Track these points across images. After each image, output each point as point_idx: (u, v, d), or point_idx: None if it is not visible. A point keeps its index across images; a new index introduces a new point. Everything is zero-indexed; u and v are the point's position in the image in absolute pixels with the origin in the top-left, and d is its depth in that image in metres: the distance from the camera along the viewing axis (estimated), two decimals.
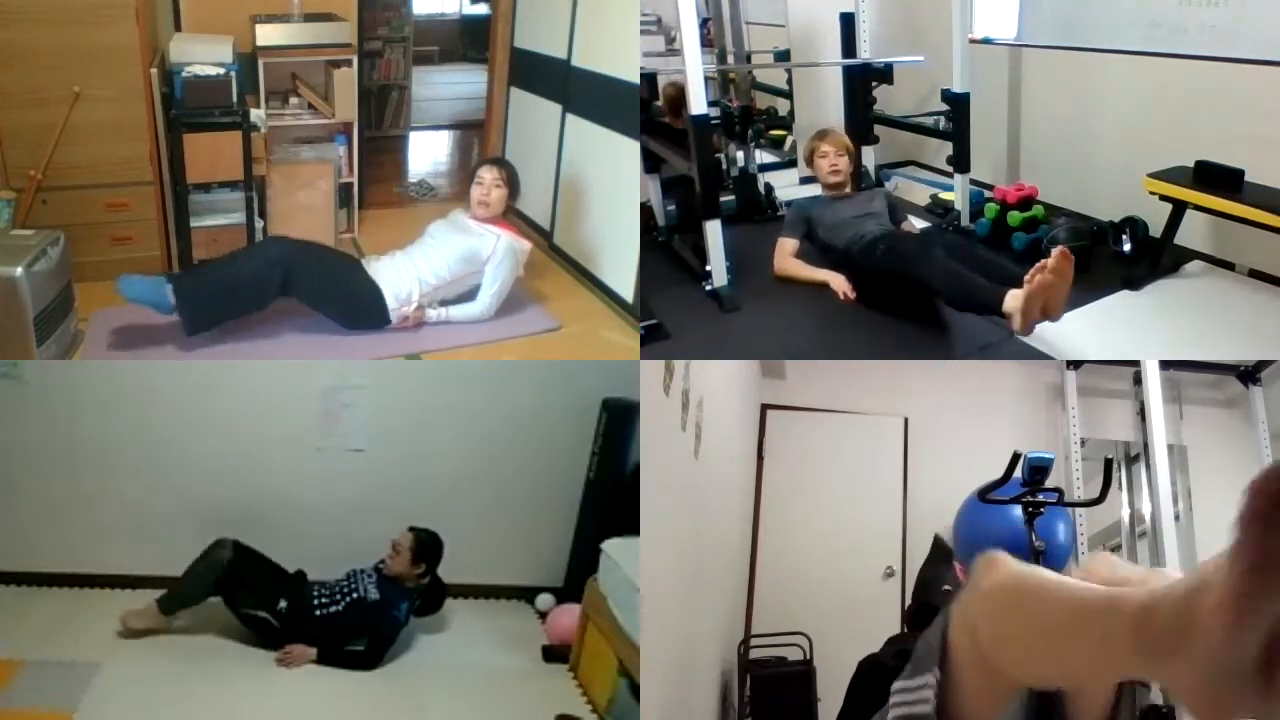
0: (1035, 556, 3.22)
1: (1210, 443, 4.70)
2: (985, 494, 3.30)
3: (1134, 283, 3.54)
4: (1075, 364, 4.50)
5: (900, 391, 4.67)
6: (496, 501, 3.55)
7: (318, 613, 3.06)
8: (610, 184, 3.86)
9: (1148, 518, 4.30)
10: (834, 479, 4.64)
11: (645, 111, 4.00)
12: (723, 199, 4.04)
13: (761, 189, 4.73)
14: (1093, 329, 3.32)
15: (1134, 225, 3.75)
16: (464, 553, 3.33)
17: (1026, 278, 2.80)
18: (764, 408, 4.69)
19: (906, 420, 4.68)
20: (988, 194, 4.19)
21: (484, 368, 3.45)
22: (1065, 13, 4.21)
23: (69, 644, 2.95)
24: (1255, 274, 3.57)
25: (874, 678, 2.35)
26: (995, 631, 0.58)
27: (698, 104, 3.32)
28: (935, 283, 3.09)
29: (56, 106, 3.51)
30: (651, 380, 2.42)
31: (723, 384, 3.52)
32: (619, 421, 3.40)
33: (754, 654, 3.85)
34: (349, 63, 4.22)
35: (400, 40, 6.27)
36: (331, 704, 2.85)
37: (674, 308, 3.51)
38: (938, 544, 2.90)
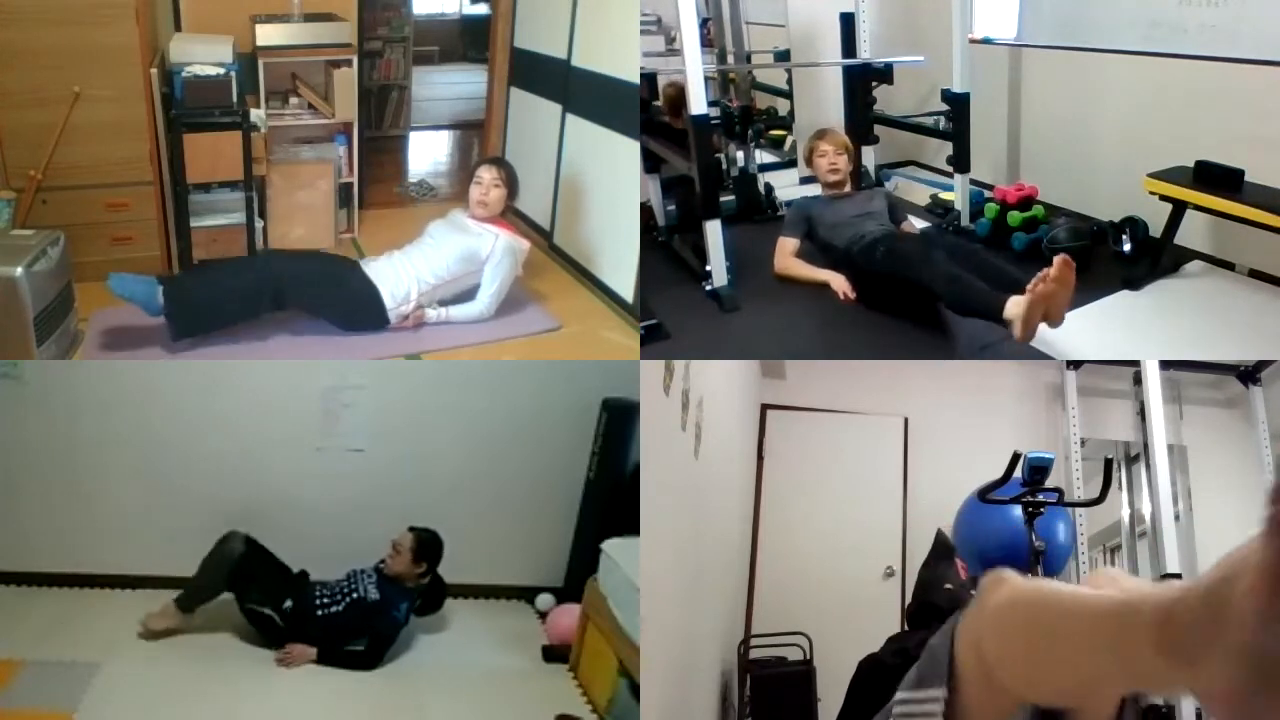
0: (1035, 556, 3.23)
1: (1210, 443, 4.70)
2: (985, 494, 3.31)
3: (1134, 283, 3.54)
4: (1075, 364, 4.50)
5: (900, 391, 4.67)
6: (496, 501, 3.55)
7: (319, 613, 3.06)
8: (610, 184, 3.86)
9: (1148, 518, 4.30)
10: (834, 479, 4.64)
11: (645, 111, 4.00)
12: (723, 199, 4.04)
13: (761, 189, 4.73)
14: (1093, 329, 3.32)
15: (1134, 225, 3.75)
16: (464, 553, 3.33)
17: (1029, 286, 2.79)
18: (764, 408, 4.69)
19: (906, 420, 4.68)
20: (988, 194, 4.19)
21: (484, 368, 3.45)
22: (1065, 13, 4.21)
23: (69, 644, 2.95)
24: (1255, 274, 3.57)
25: (874, 677, 2.35)
26: (1004, 649, 0.57)
27: (698, 104, 3.32)
28: (936, 286, 3.09)
29: (56, 106, 3.51)
30: (651, 380, 2.42)
31: (723, 384, 3.52)
32: (619, 421, 3.39)
33: (754, 654, 3.85)
34: (349, 63, 4.22)
35: (400, 40, 6.27)
36: (331, 704, 2.85)
37: (674, 308, 3.51)
38: (940, 540, 2.90)
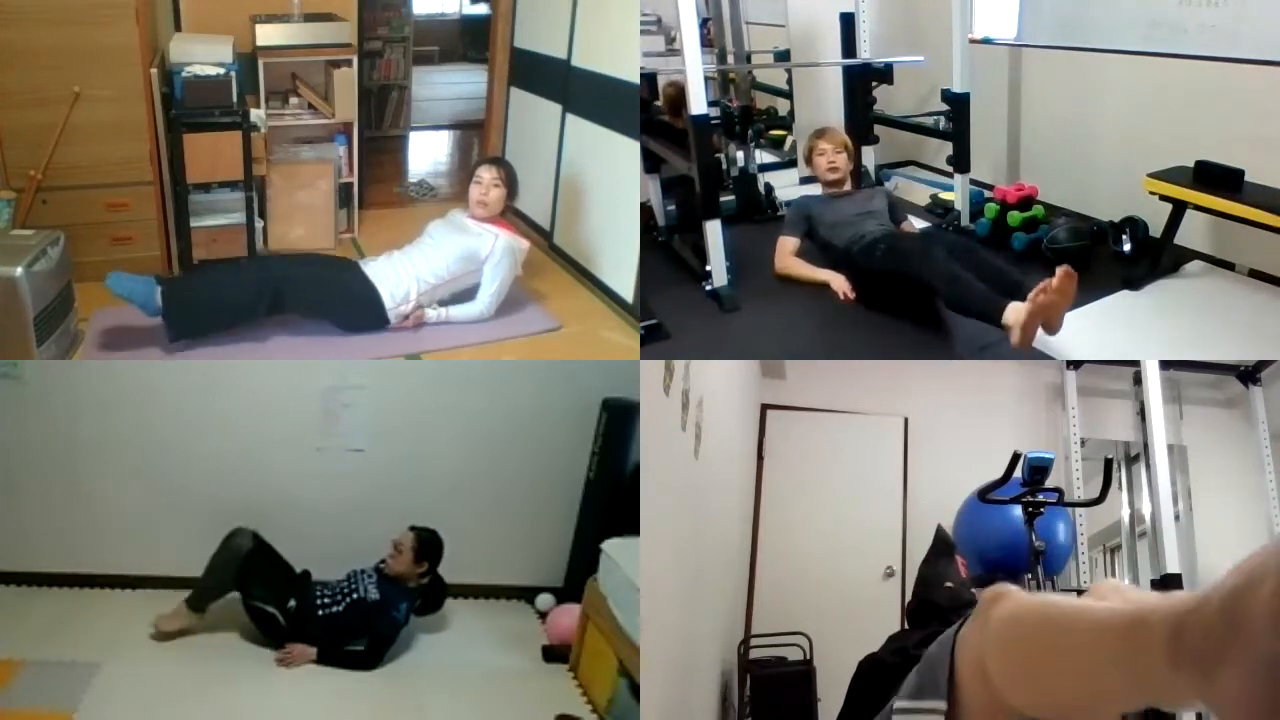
0: (1035, 556, 3.23)
1: (1210, 443, 4.70)
2: (985, 494, 3.32)
3: (1134, 283, 3.54)
4: (1075, 364, 4.50)
5: (900, 391, 4.67)
6: (496, 501, 3.55)
7: (319, 613, 3.06)
8: (610, 184, 3.86)
9: (1148, 518, 4.30)
10: (834, 479, 4.64)
11: (645, 111, 4.00)
12: (723, 199, 4.04)
13: (761, 189, 4.73)
14: (1093, 329, 3.32)
15: (1134, 225, 3.75)
16: (464, 553, 3.33)
17: (1030, 296, 2.81)
18: (764, 408, 4.69)
19: (906, 420, 4.69)
20: (988, 194, 4.19)
21: (484, 368, 3.45)
22: (1065, 13, 4.21)
23: (69, 644, 2.95)
24: (1255, 274, 3.57)
25: (874, 676, 2.35)
26: (1008, 666, 0.56)
27: (698, 104, 3.32)
28: (935, 283, 3.09)
29: (56, 106, 3.51)
30: (651, 380, 2.42)
31: (723, 384, 3.52)
32: (619, 421, 3.39)
33: (754, 654, 3.85)
34: (349, 63, 4.22)
35: (400, 40, 6.27)
36: (331, 704, 2.85)
37: (674, 308, 3.51)
38: (940, 537, 2.90)
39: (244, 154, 3.74)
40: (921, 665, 0.65)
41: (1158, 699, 0.48)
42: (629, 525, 2.39)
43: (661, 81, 4.57)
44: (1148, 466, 4.09)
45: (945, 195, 4.53)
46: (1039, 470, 3.19)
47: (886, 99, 4.73)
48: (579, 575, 3.19)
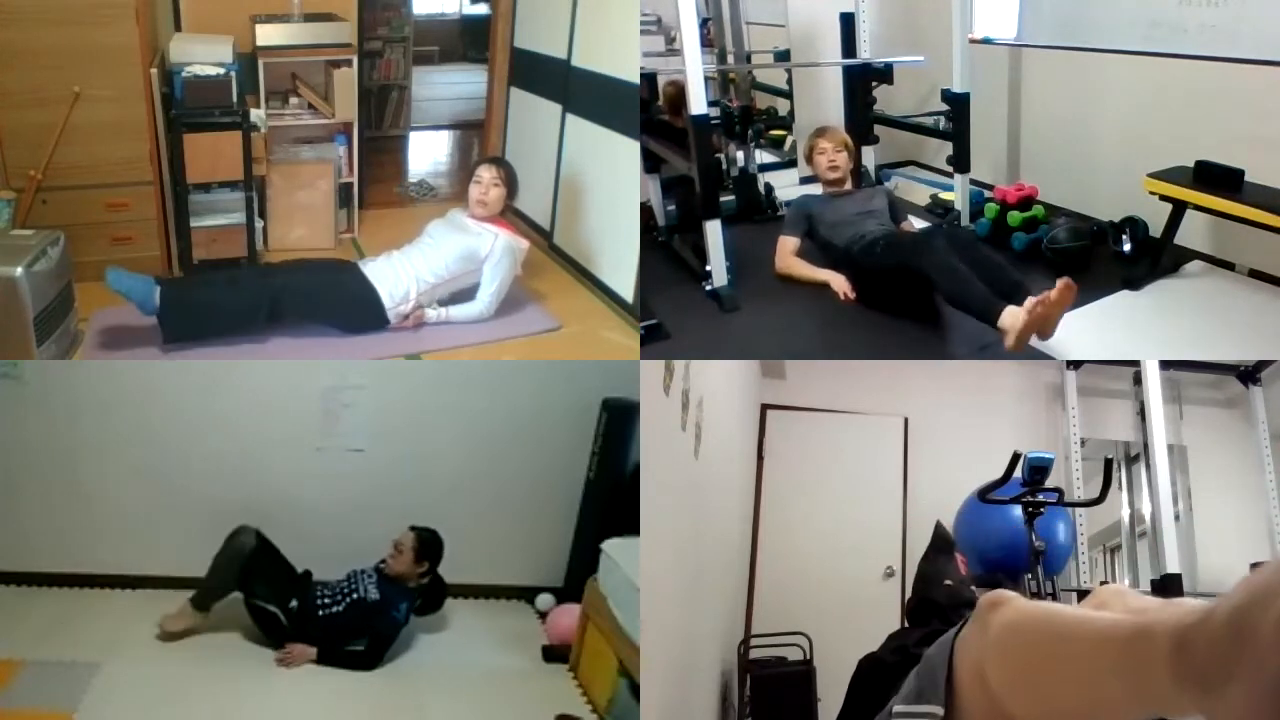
0: (1035, 556, 3.23)
1: (1210, 443, 4.71)
2: (985, 494, 3.31)
3: (1134, 283, 3.54)
4: (1075, 364, 4.50)
5: (900, 391, 4.67)
6: (496, 501, 3.55)
7: (320, 613, 3.06)
8: (610, 184, 3.86)
9: (1148, 518, 4.31)
10: (834, 479, 4.64)
11: (645, 111, 4.00)
12: (723, 199, 4.04)
13: (761, 189, 4.73)
14: (1093, 329, 3.32)
15: (1134, 225, 3.75)
16: (464, 553, 3.33)
17: (1027, 307, 2.84)
18: (764, 408, 4.69)
19: (906, 420, 4.69)
20: (988, 194, 4.19)
21: (484, 368, 3.45)
22: (1065, 13, 4.21)
23: (69, 644, 2.95)
24: (1255, 274, 3.57)
25: (874, 676, 2.35)
26: (1008, 674, 0.56)
27: (698, 104, 3.32)
28: (934, 275, 3.09)
29: (56, 106, 3.51)
30: (651, 380, 2.41)
31: (723, 384, 3.52)
32: (619, 421, 3.39)
33: (754, 654, 3.85)
34: (349, 63, 4.22)
35: (400, 40, 6.27)
36: (331, 704, 2.85)
37: (674, 308, 3.51)
38: (939, 534, 2.90)
39: (244, 154, 3.74)
40: (920, 668, 0.65)
41: (1159, 711, 0.47)
42: (629, 525, 2.38)
43: (661, 81, 4.57)
44: (1148, 466, 4.10)
45: (945, 195, 4.53)
46: (1039, 470, 3.18)
47: (886, 99, 4.73)
48: (579, 575, 3.18)
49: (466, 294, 3.51)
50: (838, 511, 4.56)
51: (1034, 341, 2.95)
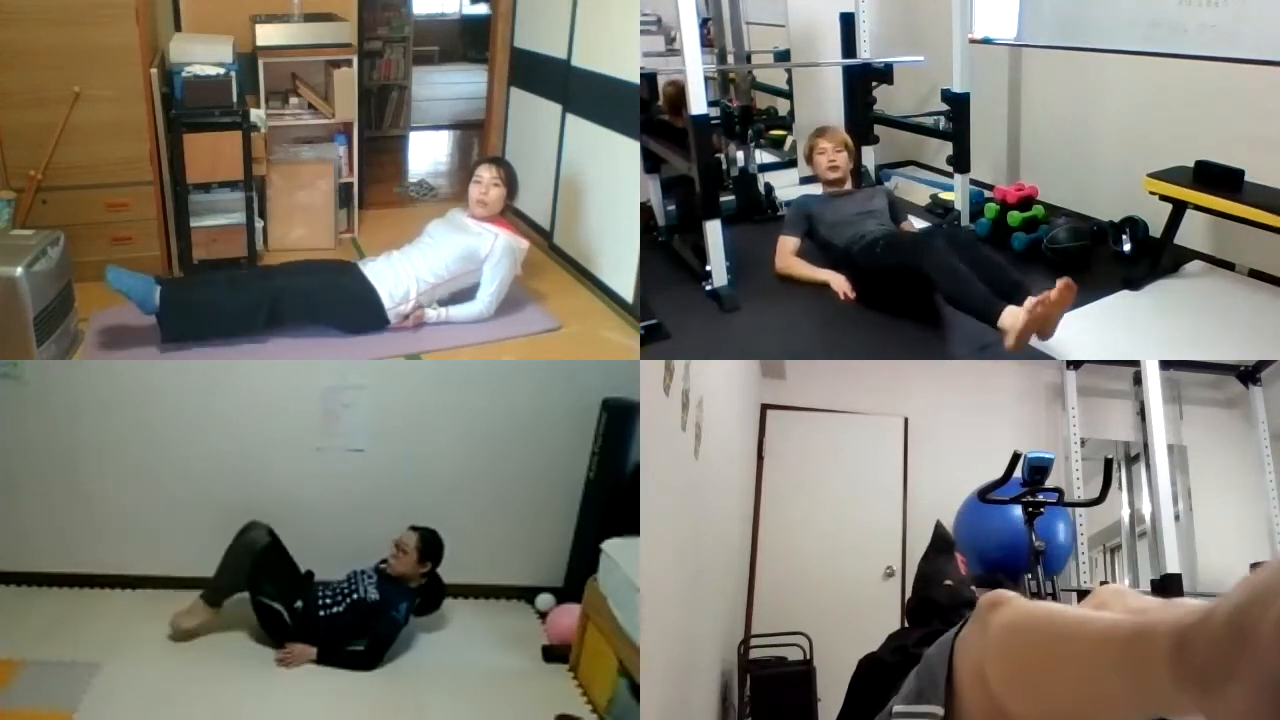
0: (1035, 556, 3.23)
1: (1210, 443, 4.71)
2: (985, 494, 3.31)
3: (1134, 283, 3.54)
4: (1075, 364, 4.50)
5: (900, 391, 4.67)
6: (496, 501, 3.55)
7: (321, 614, 3.06)
8: (610, 184, 3.86)
9: (1148, 518, 4.31)
10: (834, 479, 4.64)
11: (645, 111, 4.00)
12: (723, 199, 4.04)
13: (761, 189, 4.73)
14: (1093, 329, 3.32)
15: (1134, 225, 3.75)
16: (464, 553, 3.33)
17: (1027, 307, 2.84)
18: (764, 408, 4.69)
19: (906, 420, 4.69)
20: (988, 194, 4.19)
21: (484, 368, 3.45)
22: (1065, 13, 4.21)
23: (69, 644, 2.95)
24: (1255, 274, 3.57)
25: (874, 675, 2.35)
26: (1008, 674, 0.56)
27: (698, 104, 3.32)
28: (934, 274, 3.09)
29: (56, 106, 3.51)
30: (651, 380, 2.41)
31: (723, 384, 3.52)
32: (619, 421, 3.39)
33: (754, 654, 3.85)
34: (349, 63, 4.22)
35: (400, 40, 6.27)
36: (331, 704, 2.85)
37: (674, 308, 3.51)
38: (939, 533, 2.90)
39: (244, 154, 3.74)
40: (920, 669, 0.65)
41: (1159, 711, 0.47)
42: (629, 525, 2.38)
43: (661, 81, 4.57)
44: (1148, 466, 4.10)
45: (945, 195, 4.53)
46: (1039, 470, 3.18)
47: (886, 99, 4.73)
48: (579, 575, 3.18)
49: (466, 294, 3.51)
50: (838, 511, 4.56)
51: (1034, 341, 2.95)
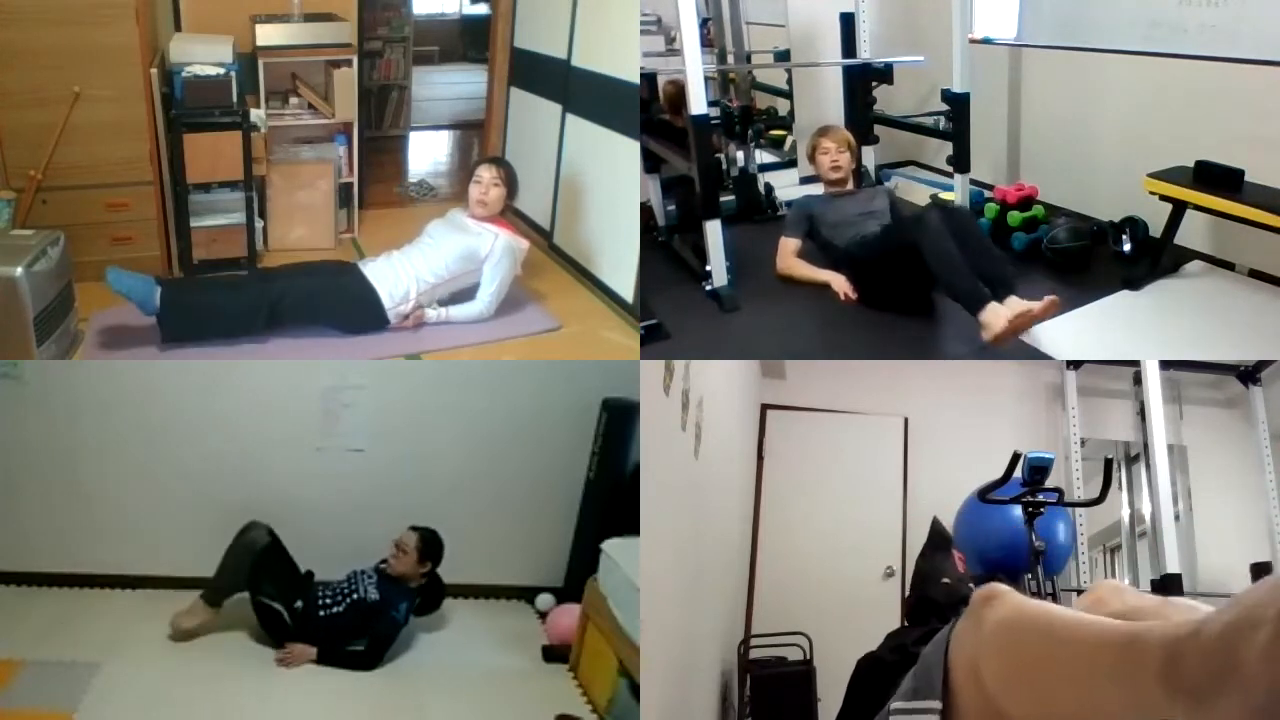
0: (1035, 556, 3.23)
1: (1210, 443, 4.70)
2: (985, 494, 3.31)
3: (1134, 283, 3.54)
4: (1075, 364, 4.50)
5: (900, 391, 4.67)
6: (496, 501, 3.55)
7: (321, 614, 3.06)
8: (610, 184, 3.86)
9: (1148, 518, 4.31)
10: (834, 479, 4.64)
11: (645, 111, 4.00)
12: (723, 199, 4.04)
13: (761, 189, 4.73)
14: (1093, 329, 3.32)
15: (1134, 225, 3.76)
16: (464, 553, 3.33)
17: (1010, 318, 2.88)
18: (764, 408, 4.69)
19: (906, 420, 4.69)
20: (988, 194, 4.19)
21: (484, 368, 3.45)
22: (1065, 13, 4.21)
23: (69, 644, 2.95)
24: (1255, 274, 3.57)
25: (874, 675, 2.35)
26: (1002, 673, 0.56)
27: (698, 104, 3.32)
28: (926, 249, 3.09)
29: (56, 106, 3.51)
30: (651, 380, 2.42)
31: (723, 384, 3.52)
32: (619, 421, 3.39)
33: (754, 654, 3.85)
34: (349, 63, 4.22)
35: (400, 40, 6.28)
36: (331, 704, 2.85)
37: (674, 308, 3.51)
38: (936, 530, 2.90)
39: (244, 154, 3.74)
40: (917, 667, 0.65)
41: (1152, 716, 0.47)
42: (629, 525, 2.38)
43: (661, 81, 4.57)
44: (1148, 466, 4.10)
45: (945, 195, 4.53)
46: (1039, 470, 3.18)
47: (886, 99, 4.74)
48: (579, 575, 3.18)
49: (466, 294, 3.51)
50: (838, 511, 4.56)
51: (1033, 341, 2.96)
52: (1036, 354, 3.14)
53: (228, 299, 3.28)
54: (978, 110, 4.17)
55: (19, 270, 2.84)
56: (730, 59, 4.95)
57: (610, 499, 3.35)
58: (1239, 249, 3.60)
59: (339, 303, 3.36)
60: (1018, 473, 3.20)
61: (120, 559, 3.38)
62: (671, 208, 4.20)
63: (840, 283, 3.52)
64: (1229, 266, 3.66)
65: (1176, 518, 4.15)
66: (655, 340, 3.30)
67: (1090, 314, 3.37)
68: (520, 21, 4.65)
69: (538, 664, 3.19)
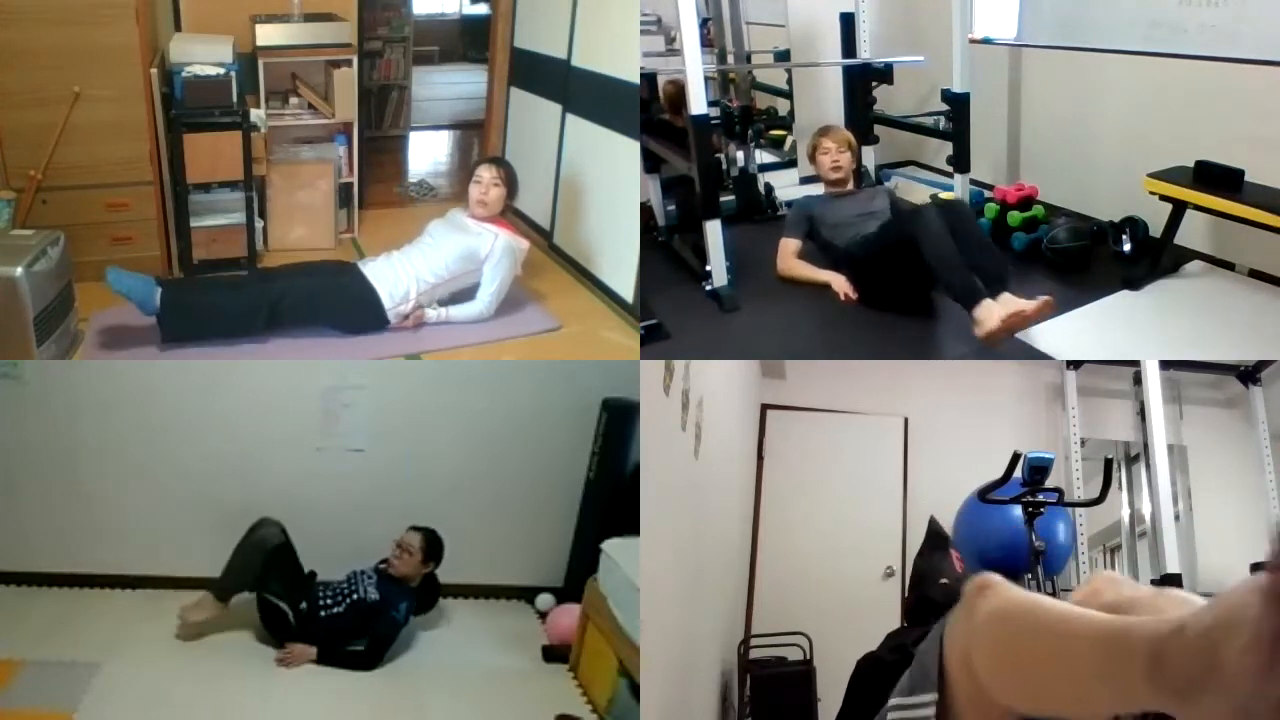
0: (1035, 556, 3.23)
1: (1210, 443, 4.70)
2: (985, 494, 3.31)
3: (1134, 283, 3.54)
4: (1075, 364, 4.50)
5: (900, 391, 4.67)
6: (496, 501, 3.55)
7: (322, 614, 3.06)
8: (610, 184, 3.86)
9: (1148, 518, 4.31)
10: (834, 479, 4.64)
11: (645, 111, 4.00)
12: (723, 199, 4.04)
13: (761, 189, 4.73)
14: (1093, 329, 3.32)
15: (1134, 225, 3.76)
16: (464, 553, 3.33)
17: (1003, 316, 2.88)
18: (764, 408, 4.69)
19: (906, 420, 4.69)
20: (988, 194, 4.19)
21: (484, 368, 3.45)
22: (1065, 13, 4.21)
23: (69, 644, 2.95)
24: (1255, 274, 3.57)
25: (873, 675, 2.35)
26: (992, 662, 0.57)
27: (698, 104, 3.32)
28: (923, 241, 3.10)
29: (56, 106, 3.51)
30: (651, 380, 2.42)
31: (723, 384, 3.52)
32: (619, 421, 3.39)
33: (754, 654, 3.85)
34: (349, 63, 4.22)
35: (400, 40, 6.27)
36: (331, 704, 2.85)
37: (674, 308, 3.51)
38: (933, 530, 2.90)
39: (244, 154, 3.74)
40: (914, 662, 0.66)
41: (1141, 708, 0.48)
42: (629, 525, 2.39)
43: (661, 81, 4.57)
44: (1148, 466, 4.10)
45: (945, 195, 4.53)
46: (1039, 470, 3.19)
47: (886, 99, 4.73)
48: (579, 575, 3.19)
49: (466, 294, 3.51)
50: (838, 511, 4.56)
51: (1033, 341, 2.96)
52: (1036, 354, 3.14)
53: (228, 299, 3.28)
54: (978, 110, 4.17)
55: (19, 270, 2.84)
56: (730, 59, 4.95)
57: (610, 499, 3.35)
58: (1239, 249, 3.60)
59: (339, 303, 3.36)
60: (1018, 473, 3.20)
61: (120, 559, 3.38)
62: (671, 208, 4.20)
63: (840, 283, 3.52)
64: (1229, 266, 3.66)
65: (1176, 518, 4.15)
66: (655, 340, 3.30)
67: (1090, 314, 3.37)
68: (520, 21, 4.65)
69: (538, 664, 3.19)
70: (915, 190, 4.87)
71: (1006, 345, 3.01)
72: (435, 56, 7.25)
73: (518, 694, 2.99)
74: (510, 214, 3.83)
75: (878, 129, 4.74)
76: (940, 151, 4.48)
